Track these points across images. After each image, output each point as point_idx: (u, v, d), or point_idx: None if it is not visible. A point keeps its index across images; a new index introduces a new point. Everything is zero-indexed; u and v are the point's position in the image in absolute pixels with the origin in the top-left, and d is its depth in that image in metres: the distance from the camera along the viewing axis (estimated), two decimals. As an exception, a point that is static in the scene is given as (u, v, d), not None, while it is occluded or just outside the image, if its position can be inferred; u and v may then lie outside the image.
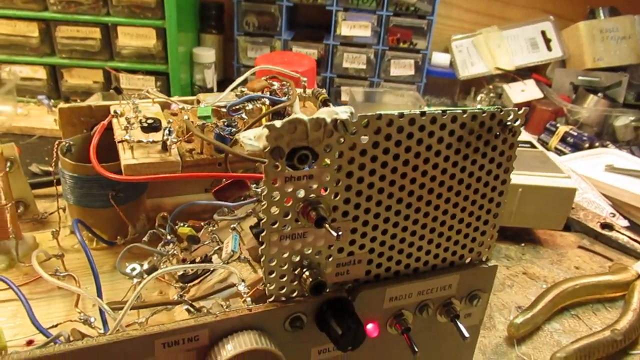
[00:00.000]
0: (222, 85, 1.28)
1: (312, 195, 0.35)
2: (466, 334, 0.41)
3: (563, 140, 1.16)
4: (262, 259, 0.35)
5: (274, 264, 0.36)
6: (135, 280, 0.47)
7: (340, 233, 0.34)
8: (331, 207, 0.36)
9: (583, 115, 1.22)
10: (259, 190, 0.50)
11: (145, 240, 0.51)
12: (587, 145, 1.13)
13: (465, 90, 1.39)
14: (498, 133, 0.39)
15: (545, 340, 0.60)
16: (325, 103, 0.60)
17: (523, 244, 0.80)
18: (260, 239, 0.35)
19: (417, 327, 0.42)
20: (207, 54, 1.23)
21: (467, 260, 0.44)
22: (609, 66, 1.29)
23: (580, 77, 1.29)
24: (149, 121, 0.52)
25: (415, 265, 0.41)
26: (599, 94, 1.25)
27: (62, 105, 0.60)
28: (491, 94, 1.33)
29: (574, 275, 0.72)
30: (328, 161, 0.35)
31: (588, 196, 0.92)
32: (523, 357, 0.57)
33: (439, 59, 1.33)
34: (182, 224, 0.51)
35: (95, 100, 0.98)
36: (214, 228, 0.51)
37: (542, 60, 1.33)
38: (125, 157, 0.50)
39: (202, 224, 0.52)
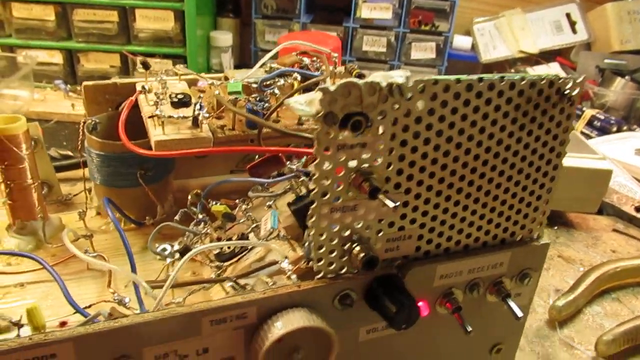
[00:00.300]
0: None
1: (364, 165, 0.33)
2: (519, 314, 0.39)
3: (589, 124, 1.13)
4: (311, 233, 0.33)
5: (323, 237, 0.34)
6: (169, 260, 0.45)
7: (398, 203, 0.32)
8: (384, 178, 0.34)
9: (610, 98, 1.19)
10: (294, 167, 0.48)
11: (176, 219, 0.49)
12: (614, 129, 1.10)
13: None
14: (556, 102, 0.37)
15: (588, 324, 0.57)
16: (359, 78, 0.57)
17: (556, 227, 0.77)
18: (310, 212, 0.33)
19: (466, 307, 0.40)
20: (224, 38, 1.20)
21: (518, 238, 0.42)
22: (636, 49, 1.26)
23: (606, 60, 1.26)
24: (179, 96, 0.50)
25: (466, 242, 0.39)
26: (626, 77, 1.21)
27: (86, 83, 0.58)
28: (513, 78, 1.30)
29: (610, 258, 0.70)
30: (380, 131, 0.33)
31: (619, 179, 0.90)
32: (566, 340, 0.55)
33: (461, 42, 1.31)
34: (214, 202, 0.49)
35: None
36: (248, 206, 0.49)
37: (567, 43, 1.30)
38: (156, 133, 0.48)
39: (237, 201, 0.50)
